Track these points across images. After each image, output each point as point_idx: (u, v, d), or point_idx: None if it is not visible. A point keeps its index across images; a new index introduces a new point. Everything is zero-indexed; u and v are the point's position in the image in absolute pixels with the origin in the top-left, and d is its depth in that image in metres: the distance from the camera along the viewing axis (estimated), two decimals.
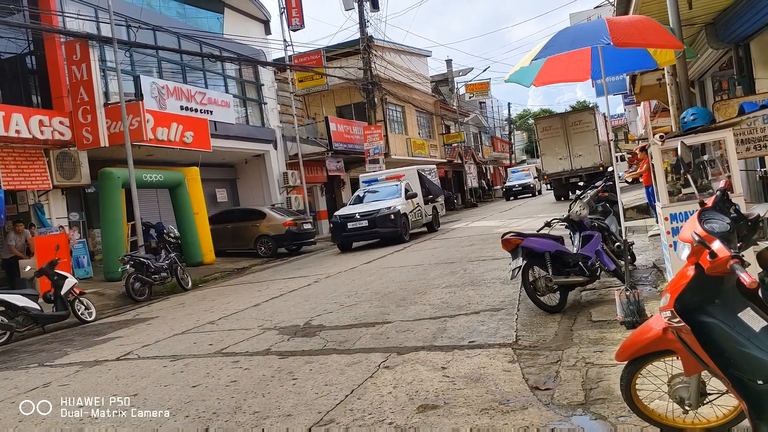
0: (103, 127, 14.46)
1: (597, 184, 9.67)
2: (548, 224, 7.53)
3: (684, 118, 4.79)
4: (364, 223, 17.41)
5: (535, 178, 41.75)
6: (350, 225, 17.54)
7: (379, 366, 5.30)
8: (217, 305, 10.50)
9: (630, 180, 14.09)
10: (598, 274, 7.07)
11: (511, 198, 40.36)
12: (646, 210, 15.32)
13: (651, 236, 11.46)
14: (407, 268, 11.68)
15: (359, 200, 19.46)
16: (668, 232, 4.64)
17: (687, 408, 3.06)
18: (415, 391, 4.53)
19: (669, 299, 2.78)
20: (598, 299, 7.11)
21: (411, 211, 18.58)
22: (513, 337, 5.71)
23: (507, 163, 61.73)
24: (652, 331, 2.99)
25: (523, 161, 72.54)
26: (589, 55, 6.15)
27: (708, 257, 2.52)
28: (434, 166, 24.94)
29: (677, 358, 2.99)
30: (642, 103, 29.46)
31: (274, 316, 8.51)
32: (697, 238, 2.54)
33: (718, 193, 2.86)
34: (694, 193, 4.65)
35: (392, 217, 17.37)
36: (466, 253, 12.69)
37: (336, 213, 18.80)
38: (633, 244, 8.54)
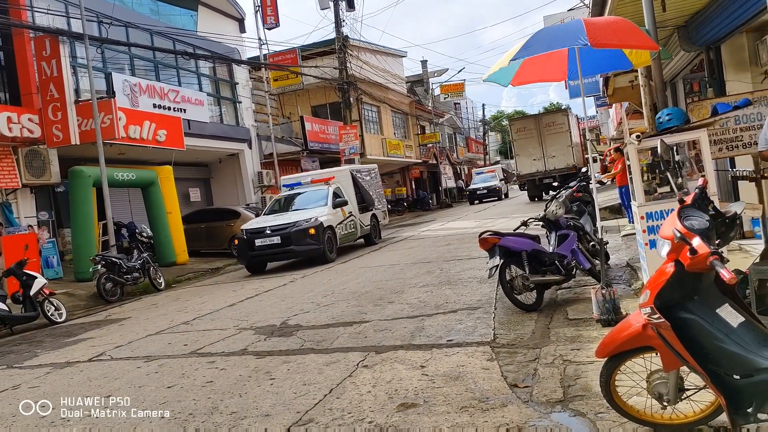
0: (74, 125, 14.19)
1: (571, 184, 9.76)
2: (525, 223, 7.59)
3: (659, 118, 4.86)
4: (276, 239, 13.89)
5: (501, 180, 39.68)
6: (259, 242, 13.97)
7: (357, 365, 5.28)
8: (192, 305, 10.36)
9: (606, 181, 14.27)
10: (573, 272, 7.14)
11: (476, 201, 37.40)
12: (618, 210, 15.55)
13: (624, 236, 11.62)
14: (384, 268, 11.67)
15: (278, 209, 15.99)
16: (644, 231, 4.70)
17: (665, 404, 3.10)
18: (395, 390, 4.52)
19: (649, 295, 2.81)
20: (573, 298, 7.18)
21: (340, 223, 15.31)
22: (491, 336, 5.73)
23: (481, 164, 62.11)
24: (632, 328, 3.02)
25: (497, 162, 73.12)
26: (566, 55, 6.20)
27: (688, 254, 2.54)
28: (375, 166, 20.93)
29: (656, 354, 3.02)
30: (614, 105, 29.92)
31: (250, 316, 8.43)
32: (678, 235, 2.56)
33: (697, 190, 2.90)
34: (670, 191, 4.72)
35: (312, 231, 13.86)
36: (442, 253, 12.73)
37: (243, 226, 15.32)
38: (607, 243, 8.64)
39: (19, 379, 6.38)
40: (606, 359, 3.20)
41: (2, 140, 13.40)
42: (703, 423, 3.13)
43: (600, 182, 23.67)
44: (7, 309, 10.03)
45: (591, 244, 8.11)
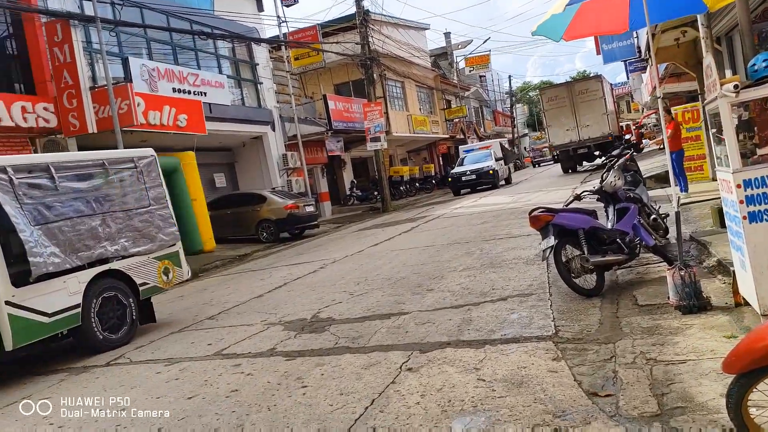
0: (90, 113, 13.66)
1: (614, 153, 8.88)
2: (578, 197, 6.80)
3: (754, 65, 4.04)
4: None
5: (499, 160, 28.44)
6: None
7: (400, 368, 4.60)
8: (217, 297, 9.81)
9: (655, 147, 13.31)
10: (637, 251, 6.35)
11: (463, 192, 27.14)
12: (665, 179, 14.61)
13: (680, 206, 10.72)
14: (418, 250, 10.96)
15: None
16: (741, 202, 3.90)
17: None
18: (448, 401, 3.83)
19: None
20: (637, 279, 6.39)
21: None
22: (551, 328, 5.00)
23: (509, 137, 60.70)
24: None
25: (525, 135, 71.56)
26: (627, 1, 5.36)
27: None
28: (147, 153, 8.80)
29: None
30: (648, 68, 28.53)
31: (278, 308, 7.81)
32: None
33: None
34: None
35: None
36: (479, 232, 11.98)
37: None
38: (667, 215, 7.81)
39: (31, 388, 5.85)
40: (736, 375, 2.45)
41: (18, 131, 12.92)
42: None
43: (638, 149, 22.47)
44: None
45: (652, 217, 7.31)
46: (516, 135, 61.66)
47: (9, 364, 6.64)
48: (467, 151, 31.24)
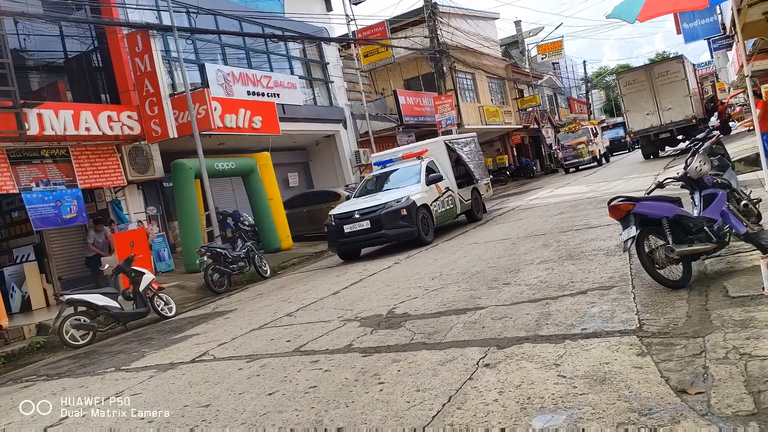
0: (171, 119, 14.23)
1: (699, 136, 8.43)
2: (660, 185, 6.49)
3: None
4: None
5: (436, 182, 14.95)
6: None
7: (477, 364, 4.54)
8: (295, 294, 10.01)
9: (748, 128, 12.49)
10: (727, 239, 6.00)
11: (363, 250, 14.18)
12: (755, 162, 13.80)
13: None
14: (493, 243, 10.81)
15: None
16: None
17: None
18: (527, 398, 3.74)
19: None
20: (727, 269, 6.04)
21: None
22: (635, 322, 4.79)
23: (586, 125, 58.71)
24: None
25: (602, 121, 69.19)
26: None
27: None
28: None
29: None
30: (734, 46, 26.96)
31: (354, 304, 7.88)
32: None
33: None
34: None
35: None
36: (556, 223, 11.68)
37: None
38: (759, 200, 7.35)
39: (123, 384, 6.16)
40: None
41: (105, 139, 13.64)
42: None
43: (726, 131, 21.22)
44: (119, 306, 10.12)
45: (743, 203, 6.89)
46: (592, 121, 59.54)
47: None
48: (380, 164, 16.21)
